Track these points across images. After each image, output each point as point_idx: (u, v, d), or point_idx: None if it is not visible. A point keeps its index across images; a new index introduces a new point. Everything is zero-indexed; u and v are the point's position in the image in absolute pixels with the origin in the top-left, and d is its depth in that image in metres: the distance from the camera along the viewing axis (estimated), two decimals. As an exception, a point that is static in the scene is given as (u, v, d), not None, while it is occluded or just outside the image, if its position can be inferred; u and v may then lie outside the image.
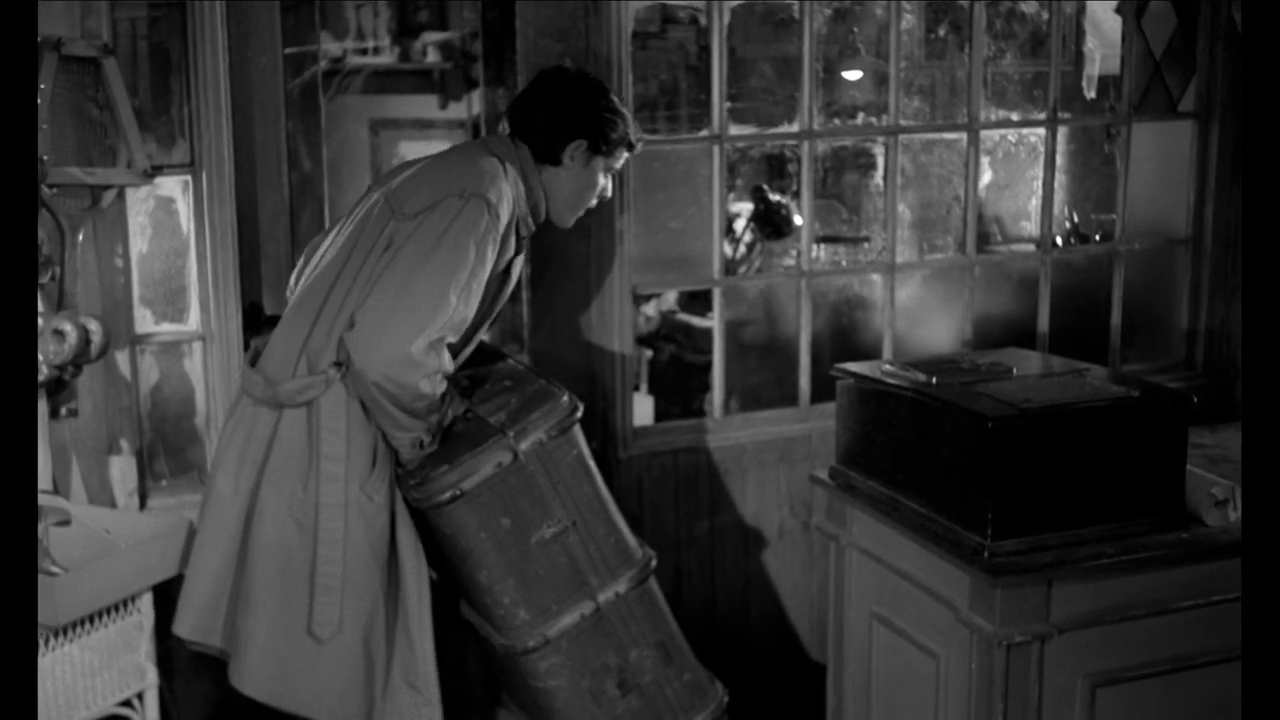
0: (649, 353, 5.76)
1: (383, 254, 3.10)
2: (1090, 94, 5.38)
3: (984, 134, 4.72)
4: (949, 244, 5.05)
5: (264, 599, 3.08)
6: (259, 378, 3.15)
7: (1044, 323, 4.86)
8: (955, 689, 3.11)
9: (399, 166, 3.42)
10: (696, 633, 4.44)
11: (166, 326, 3.93)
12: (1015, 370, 3.34)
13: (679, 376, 5.23)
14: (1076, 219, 5.45)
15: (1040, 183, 4.84)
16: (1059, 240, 5.21)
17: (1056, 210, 5.00)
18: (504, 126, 3.38)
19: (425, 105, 6.33)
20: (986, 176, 5.18)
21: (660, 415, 4.64)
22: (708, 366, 4.61)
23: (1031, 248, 4.95)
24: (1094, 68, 5.39)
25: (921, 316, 4.83)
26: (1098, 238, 5.35)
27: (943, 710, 3.16)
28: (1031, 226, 5.09)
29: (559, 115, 3.30)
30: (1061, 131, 4.84)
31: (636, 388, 4.53)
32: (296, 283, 3.37)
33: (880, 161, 5.03)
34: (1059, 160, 4.85)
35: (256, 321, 4.08)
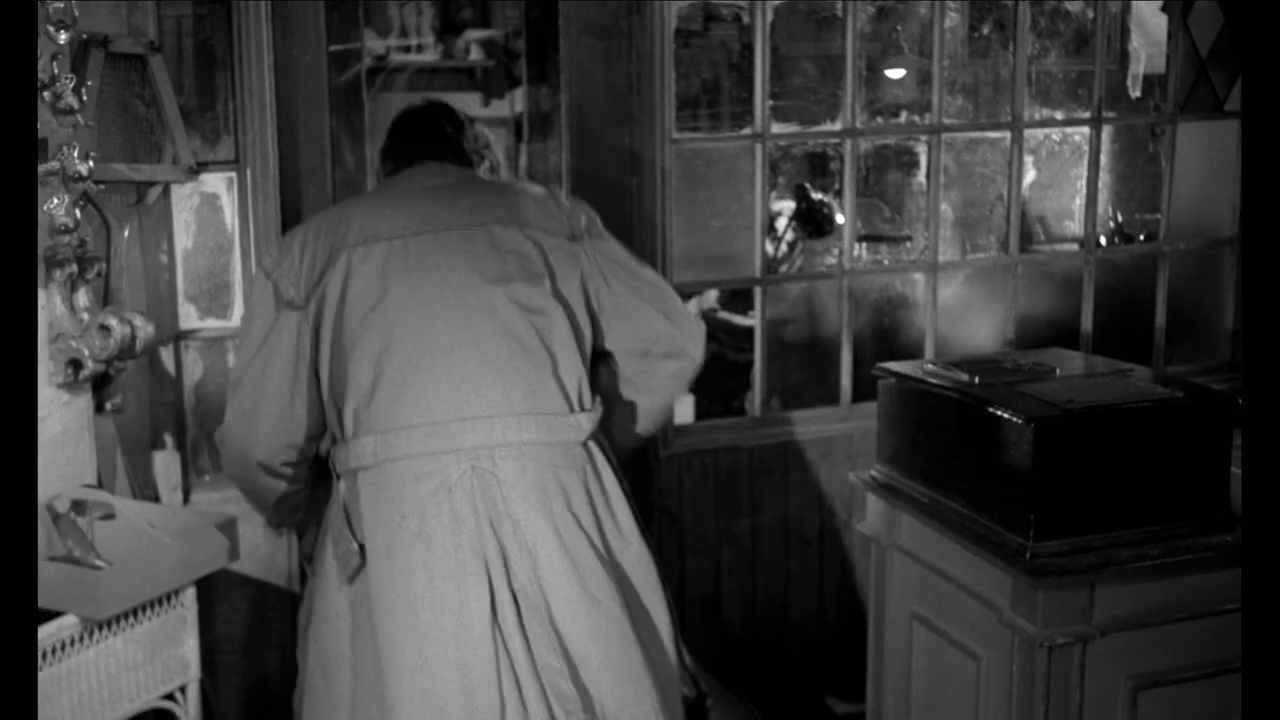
0: (690, 351, 5.75)
1: (576, 278, 3.18)
2: (1135, 93, 5.36)
3: (1028, 133, 4.70)
4: (992, 243, 5.04)
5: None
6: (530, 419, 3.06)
7: (1087, 323, 4.83)
8: (996, 690, 3.09)
9: (418, 197, 3.23)
10: (735, 631, 4.45)
11: (211, 322, 3.95)
12: (1058, 370, 3.32)
13: (720, 375, 5.23)
14: (1121, 218, 5.43)
15: (1084, 182, 4.82)
16: (1103, 240, 5.19)
17: (1101, 209, 4.97)
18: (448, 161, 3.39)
19: (468, 103, 6.36)
20: (1030, 175, 5.16)
21: (701, 414, 4.64)
22: (749, 365, 4.61)
23: (1075, 247, 4.93)
24: (1139, 66, 5.37)
25: (964, 316, 4.82)
26: (1142, 237, 5.32)
27: (983, 712, 3.15)
28: (1075, 226, 5.08)
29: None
30: (1106, 130, 4.81)
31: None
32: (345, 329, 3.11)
33: (923, 160, 5.02)
34: (1103, 159, 4.83)
35: (299, 317, 4.10)
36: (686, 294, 5.52)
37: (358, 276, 3.05)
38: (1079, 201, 4.90)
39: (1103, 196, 5.04)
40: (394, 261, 3.05)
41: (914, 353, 4.69)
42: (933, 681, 3.35)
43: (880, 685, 3.57)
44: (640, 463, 4.41)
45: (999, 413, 3.03)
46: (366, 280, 3.05)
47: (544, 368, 3.04)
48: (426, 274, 3.05)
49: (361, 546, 2.98)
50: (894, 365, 3.48)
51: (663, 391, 3.38)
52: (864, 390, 4.47)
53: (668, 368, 3.32)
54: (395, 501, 2.97)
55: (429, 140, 3.40)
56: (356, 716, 2.99)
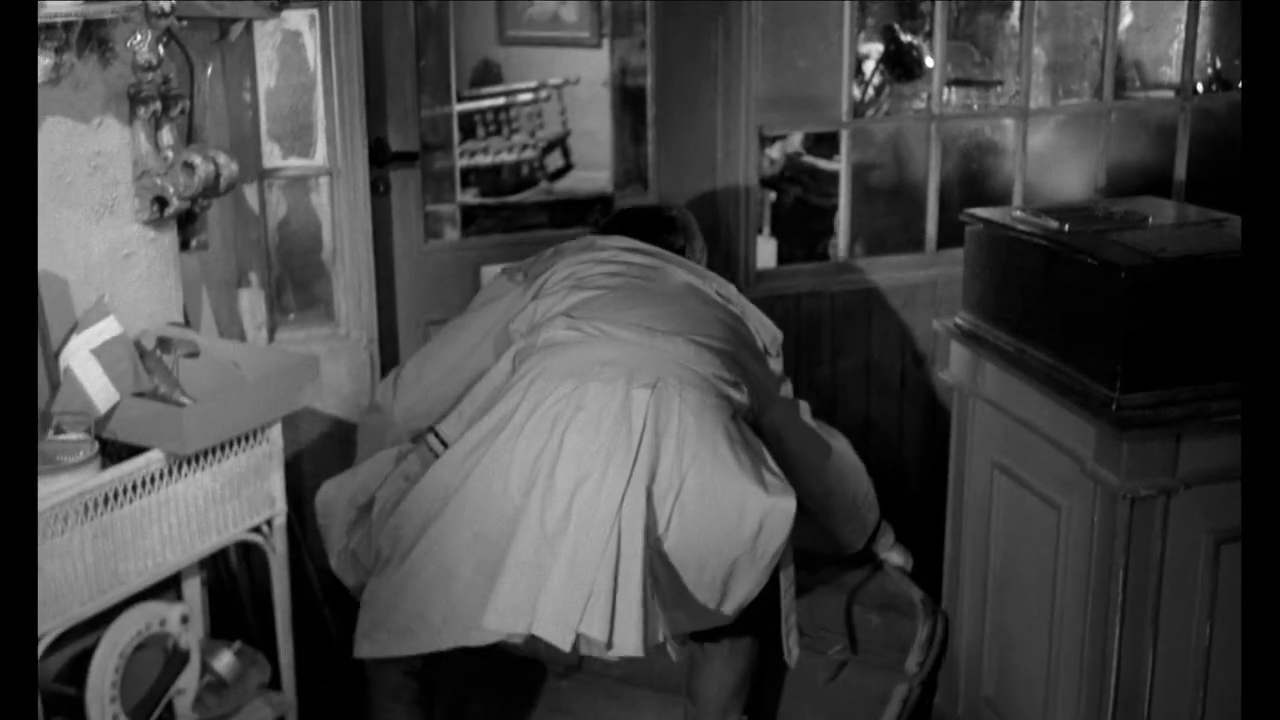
0: (773, 195, 5.70)
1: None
2: (1239, -69, 5.17)
3: (1126, -26, 4.56)
4: (1085, 89, 4.93)
5: None
6: None
7: (1181, 171, 4.73)
8: (1076, 542, 3.08)
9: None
10: (815, 477, 4.45)
11: (294, 161, 3.95)
12: (1151, 219, 3.25)
13: (803, 220, 5.18)
14: (1220, 64, 5.27)
15: (1183, 26, 4.68)
16: (1200, 87, 5.05)
17: (1199, 55, 4.83)
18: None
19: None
20: (1127, 19, 5.02)
21: (783, 258, 4.60)
22: (833, 210, 4.57)
23: (1171, 94, 4.81)
24: (1242, -96, 5.18)
25: (1054, 163, 4.73)
26: (1241, 84, 5.17)
27: (1062, 562, 3.14)
28: (1172, 72, 4.95)
29: None
30: (1208, -28, 4.67)
31: (760, 230, 4.49)
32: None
33: (1016, 2, 4.89)
34: (1203, 2, 4.67)
35: (382, 157, 4.09)
36: (770, 137, 5.46)
37: None
38: (1176, 46, 4.76)
39: (1201, 41, 4.89)
40: None
41: (1002, 200, 4.62)
42: (1012, 531, 3.34)
43: (959, 534, 3.58)
44: (722, 307, 4.39)
45: (1089, 261, 2.97)
46: None
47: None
48: None
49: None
50: (982, 212, 3.43)
51: None
52: (949, 237, 4.42)
53: None
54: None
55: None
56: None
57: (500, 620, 2.86)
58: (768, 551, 2.95)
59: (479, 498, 2.94)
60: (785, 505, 2.93)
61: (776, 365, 3.34)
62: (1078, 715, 3.12)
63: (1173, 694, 3.05)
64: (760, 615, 3.16)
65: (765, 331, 3.33)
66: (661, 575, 2.88)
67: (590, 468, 2.85)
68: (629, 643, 2.78)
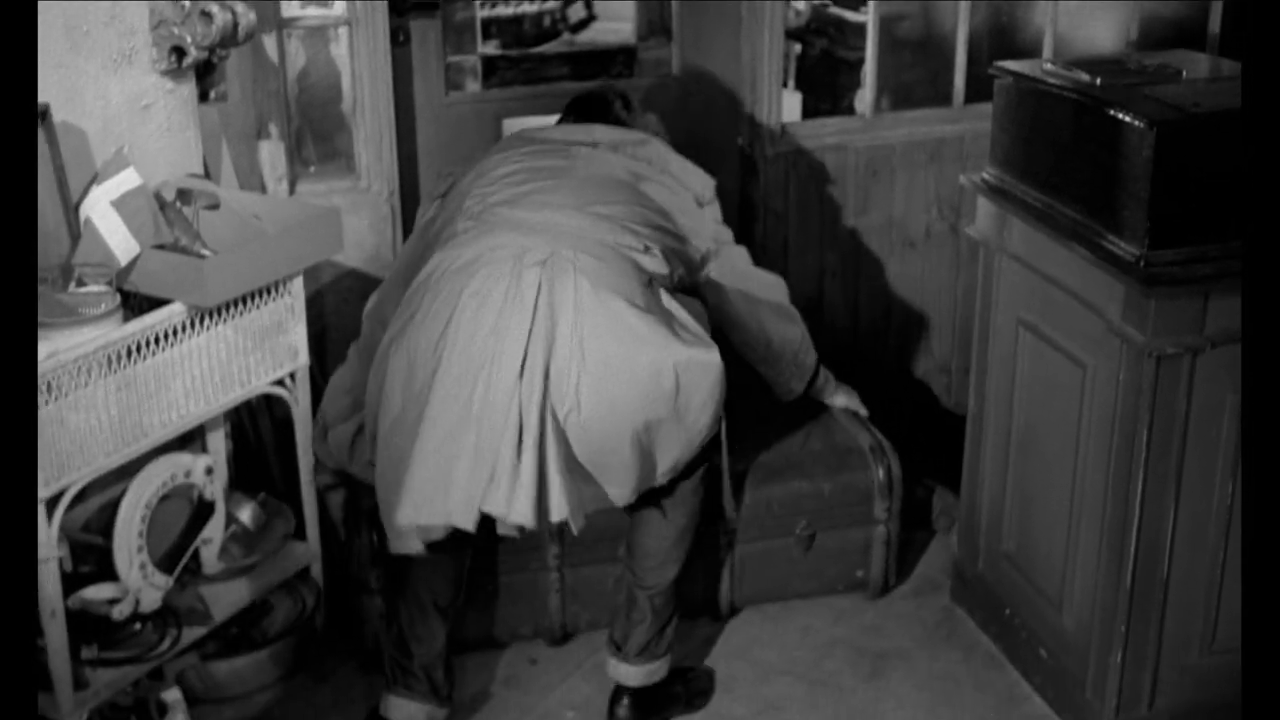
0: (798, 47, 5.61)
1: None
2: None
3: None
4: (1119, -62, 4.81)
5: None
6: None
7: (1215, 24, 4.64)
8: (1101, 399, 3.07)
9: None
10: (836, 334, 4.45)
11: (313, 10, 3.89)
12: (1184, 73, 3.19)
13: (829, 73, 5.10)
14: (1258, -87, 5.13)
15: None
16: (1238, -64, 4.92)
17: (1238, -98, 4.71)
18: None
19: None
20: None
21: (808, 112, 4.54)
22: (859, 63, 4.49)
23: (1207, -56, 4.69)
24: None
25: (1085, 15, 4.63)
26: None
27: (1086, 419, 3.13)
28: (1208, -79, 4.82)
29: None
30: None
31: (785, 83, 4.42)
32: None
33: None
34: None
35: (402, 6, 4.03)
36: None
37: None
38: (1213, -105, 4.64)
39: (1241, -113, 4.76)
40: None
41: (1032, 52, 4.53)
42: (1037, 388, 3.33)
43: (983, 391, 3.57)
44: (746, 162, 4.35)
45: (1120, 115, 2.92)
46: None
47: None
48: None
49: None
50: (1011, 64, 3.37)
51: None
52: (978, 91, 4.36)
53: None
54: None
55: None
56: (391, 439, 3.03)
57: (415, 514, 2.94)
58: (690, 406, 2.96)
59: (395, 394, 2.99)
60: (703, 358, 2.95)
61: (713, 212, 3.39)
62: (1098, 571, 3.13)
63: (1193, 552, 3.06)
64: (698, 470, 3.19)
65: (696, 181, 3.36)
66: (578, 448, 2.91)
67: (485, 351, 2.88)
68: (521, 511, 2.84)
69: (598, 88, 3.76)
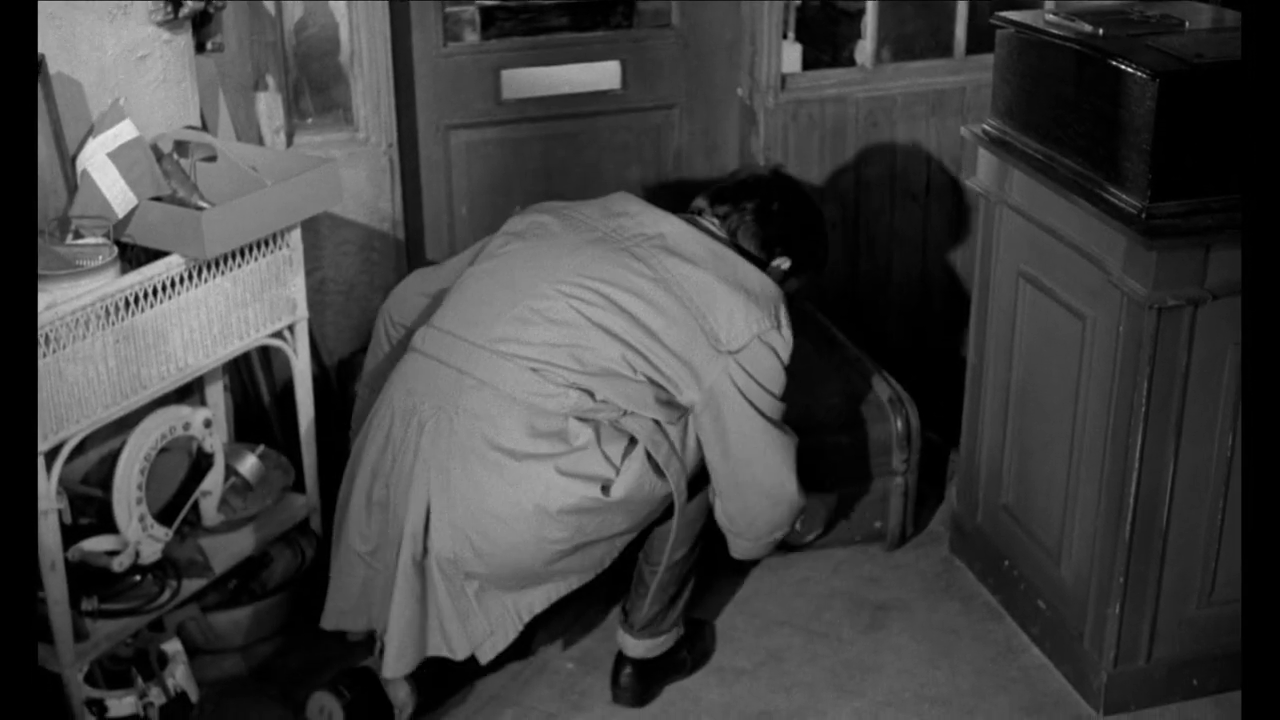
0: (799, -2, 5.59)
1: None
2: None
3: None
4: (1123, -114, 4.77)
5: None
6: None
7: (1219, -26, 4.61)
8: (1101, 351, 3.07)
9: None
10: (838, 286, 4.44)
11: (310, -40, 3.87)
12: (1188, 24, 3.17)
13: (829, 23, 5.06)
14: None
15: None
16: (1242, -116, 4.89)
17: None
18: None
19: None
20: None
21: (809, 64, 4.51)
22: (860, 13, 4.46)
23: (1212, -108, 4.66)
24: None
25: (1088, -35, 4.60)
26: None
27: (1086, 371, 3.13)
28: None
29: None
30: None
31: (785, 34, 4.40)
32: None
33: None
34: None
35: (400, -43, 4.00)
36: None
37: None
38: None
39: None
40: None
41: (1034, 3, 4.51)
42: (1037, 340, 3.33)
43: (983, 342, 3.56)
44: (746, 113, 4.33)
45: (1122, 66, 2.91)
46: None
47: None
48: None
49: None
50: (1013, 15, 3.35)
51: None
52: (980, 41, 4.34)
53: None
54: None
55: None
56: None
57: (339, 620, 3.09)
58: (587, 531, 2.93)
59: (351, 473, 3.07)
60: (590, 494, 2.89)
61: (720, 363, 2.97)
62: (1097, 523, 3.14)
63: (1192, 504, 3.07)
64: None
65: (724, 328, 2.96)
66: (487, 578, 2.95)
67: (386, 489, 2.95)
68: (462, 648, 2.97)
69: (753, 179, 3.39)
